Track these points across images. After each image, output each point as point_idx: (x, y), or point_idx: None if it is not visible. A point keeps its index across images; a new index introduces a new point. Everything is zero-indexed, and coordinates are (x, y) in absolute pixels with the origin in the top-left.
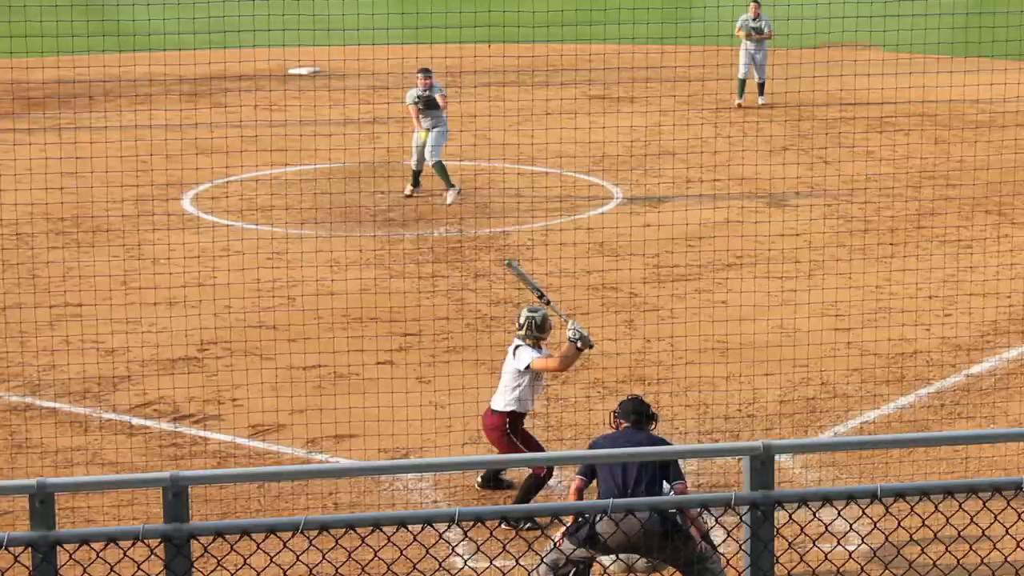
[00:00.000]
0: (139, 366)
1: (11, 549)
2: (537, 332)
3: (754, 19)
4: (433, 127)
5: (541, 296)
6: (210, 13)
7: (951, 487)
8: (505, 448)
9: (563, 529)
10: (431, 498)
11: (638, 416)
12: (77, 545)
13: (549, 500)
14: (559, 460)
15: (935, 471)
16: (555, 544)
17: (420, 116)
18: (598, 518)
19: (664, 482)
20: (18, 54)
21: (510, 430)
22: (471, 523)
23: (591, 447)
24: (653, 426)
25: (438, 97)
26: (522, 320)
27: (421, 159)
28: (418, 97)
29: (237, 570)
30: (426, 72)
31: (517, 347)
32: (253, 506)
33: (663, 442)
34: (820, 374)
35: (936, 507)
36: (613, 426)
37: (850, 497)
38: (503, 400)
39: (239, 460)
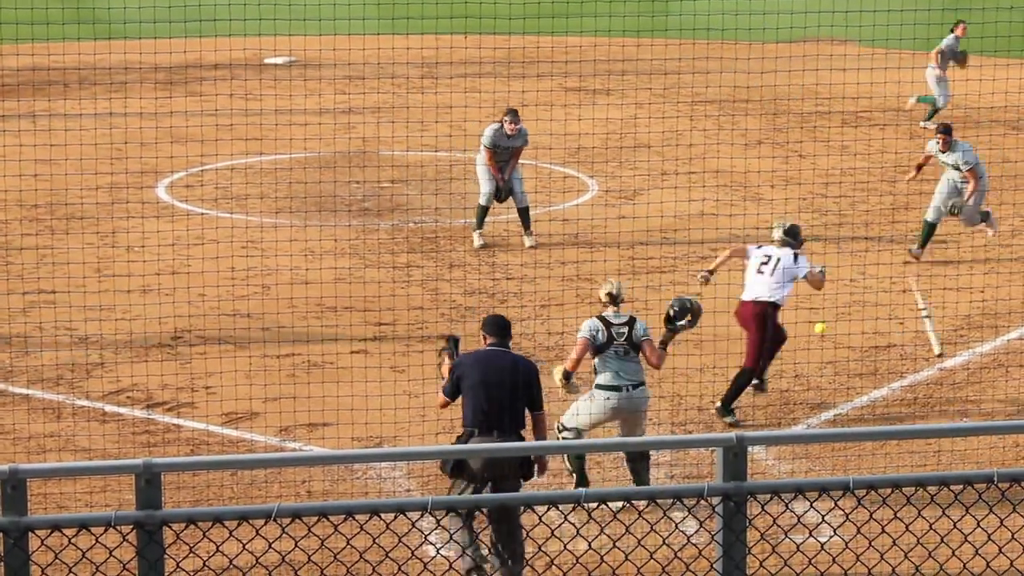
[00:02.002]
0: (113, 353)
1: None
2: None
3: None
4: (511, 172)
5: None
6: (185, 1)
7: (923, 480)
8: (757, 335)
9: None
10: (404, 487)
11: (501, 331)
12: (49, 531)
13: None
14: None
15: (907, 464)
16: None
17: (496, 159)
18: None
19: (527, 409)
20: None
21: (771, 318)
22: (443, 512)
23: (455, 365)
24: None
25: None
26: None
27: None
28: (497, 147)
29: (209, 557)
30: (514, 115)
31: (796, 254)
32: (226, 493)
33: (531, 364)
34: (794, 366)
35: (908, 499)
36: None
37: (822, 489)
38: (770, 292)
39: (212, 448)
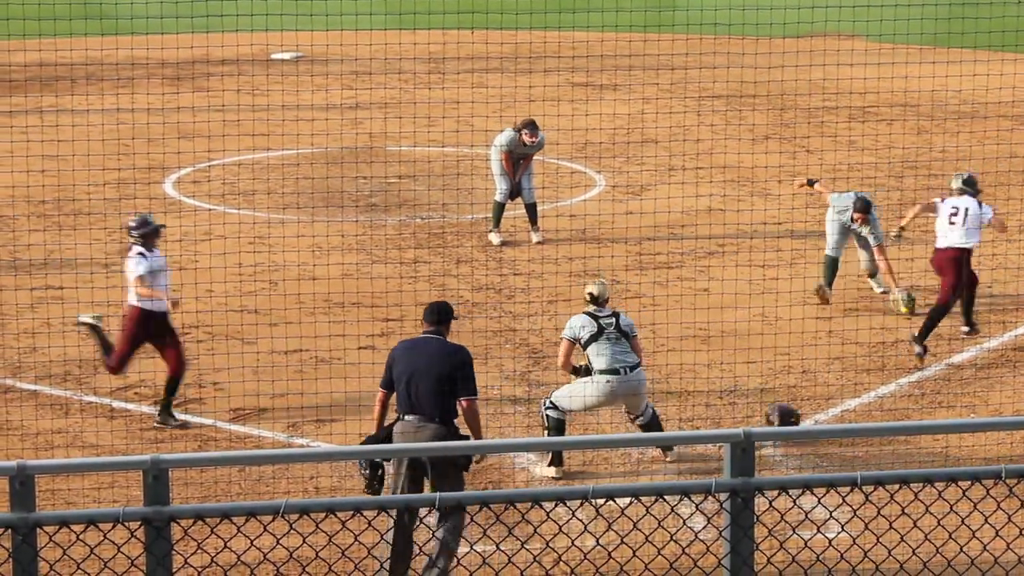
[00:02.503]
0: None
1: None
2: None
3: None
4: (524, 171)
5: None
6: None
7: (931, 475)
8: (953, 279)
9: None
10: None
11: (436, 318)
12: (57, 527)
13: None
14: (560, 445)
15: (915, 460)
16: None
17: (510, 161)
18: (395, 432)
19: (453, 395)
20: (0, 37)
21: (965, 263)
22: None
23: (391, 354)
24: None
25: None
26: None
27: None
28: (513, 152)
29: (217, 553)
30: (533, 127)
31: (980, 201)
32: (234, 490)
33: (460, 351)
34: (801, 362)
35: (916, 495)
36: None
37: (830, 484)
38: (965, 239)
39: (220, 444)
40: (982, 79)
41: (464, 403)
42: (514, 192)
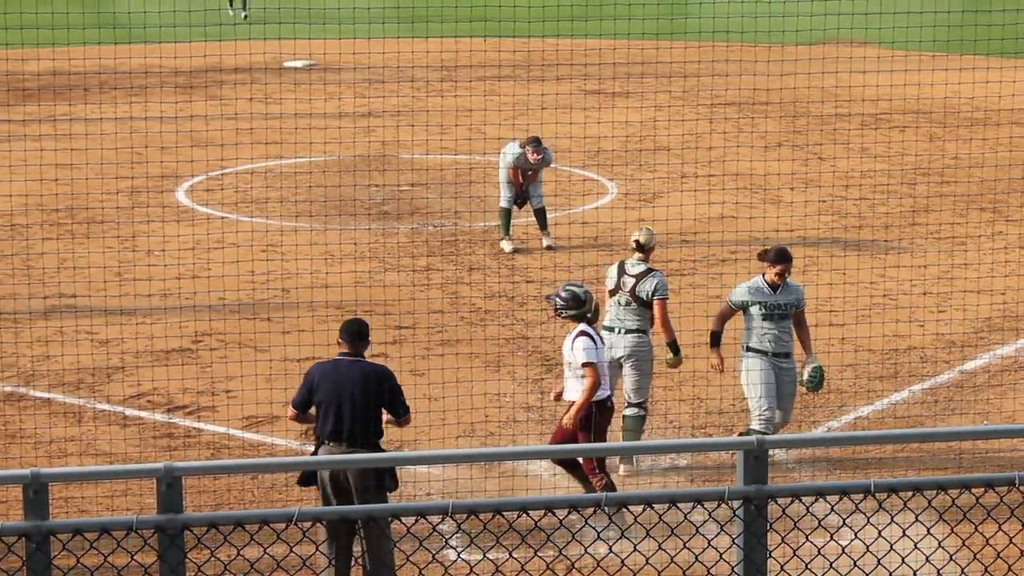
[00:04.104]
0: (133, 357)
1: (5, 539)
2: None
3: None
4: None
5: None
6: (205, 5)
7: (944, 482)
8: None
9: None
10: (424, 490)
11: (354, 338)
12: (71, 535)
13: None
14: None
15: (928, 467)
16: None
17: (518, 174)
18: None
19: (387, 413)
20: (13, 45)
21: None
22: (464, 516)
23: (306, 375)
24: (367, 345)
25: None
26: None
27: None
28: (519, 167)
29: (231, 561)
30: (536, 144)
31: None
32: (247, 497)
33: (384, 373)
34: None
35: (929, 502)
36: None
37: (844, 492)
38: None
39: (233, 451)
40: (995, 86)
41: (402, 421)
42: (521, 200)
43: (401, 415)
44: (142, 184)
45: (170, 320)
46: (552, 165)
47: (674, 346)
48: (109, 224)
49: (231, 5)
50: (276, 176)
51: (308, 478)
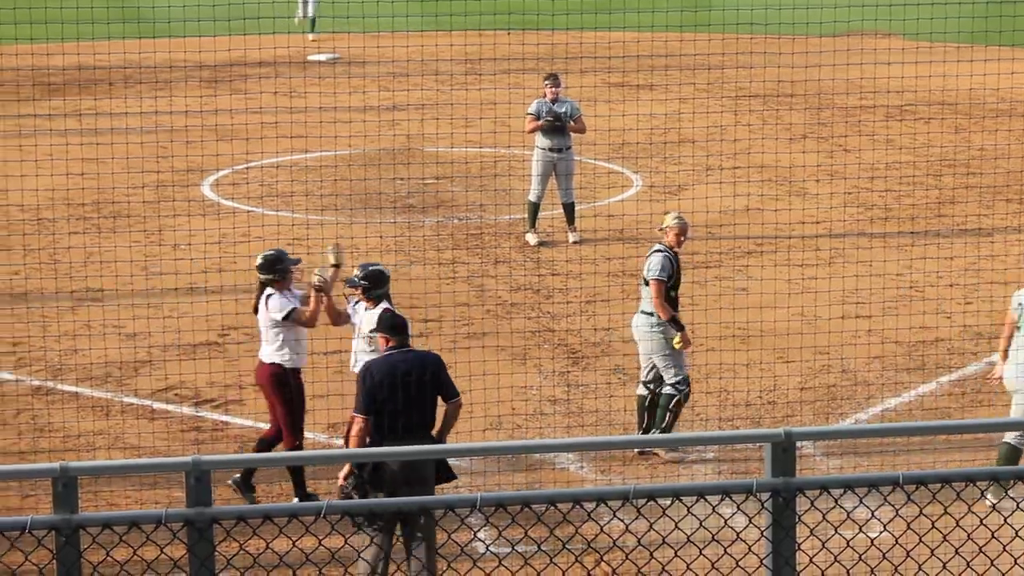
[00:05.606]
0: (160, 351)
1: (34, 532)
2: None
3: None
4: (564, 154)
5: None
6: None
7: (973, 475)
8: None
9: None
10: (452, 483)
11: (401, 332)
12: (100, 528)
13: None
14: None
15: (956, 459)
16: (344, 490)
17: (544, 134)
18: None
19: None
20: (38, 40)
21: None
22: (493, 508)
23: (362, 372)
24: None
25: (571, 122)
26: None
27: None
28: (541, 115)
29: (259, 554)
30: (554, 79)
31: None
32: (275, 490)
33: (437, 361)
34: (841, 361)
35: (958, 495)
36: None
37: (871, 484)
38: None
39: None
40: (1021, 76)
41: (451, 403)
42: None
43: (453, 397)
44: (167, 178)
45: (196, 314)
46: (578, 159)
47: (676, 324)
48: (135, 218)
49: (300, 24)
50: (301, 170)
51: (375, 480)
